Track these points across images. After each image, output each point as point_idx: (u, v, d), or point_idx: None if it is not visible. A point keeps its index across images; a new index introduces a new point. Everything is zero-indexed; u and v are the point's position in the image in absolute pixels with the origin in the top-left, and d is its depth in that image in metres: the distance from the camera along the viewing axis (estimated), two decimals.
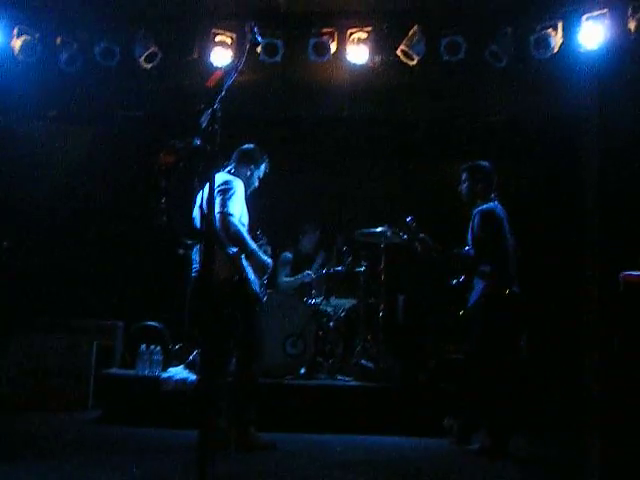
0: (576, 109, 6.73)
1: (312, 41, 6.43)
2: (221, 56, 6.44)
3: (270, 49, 6.38)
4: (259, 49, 6.28)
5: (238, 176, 5.03)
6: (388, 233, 6.43)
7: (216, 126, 3.01)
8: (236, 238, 4.74)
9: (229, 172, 5.08)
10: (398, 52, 6.44)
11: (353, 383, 6.11)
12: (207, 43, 6.50)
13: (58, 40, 6.50)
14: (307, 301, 6.64)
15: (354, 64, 6.56)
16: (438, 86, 7.12)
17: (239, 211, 4.84)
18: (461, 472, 4.69)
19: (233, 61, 6.33)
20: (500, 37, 6.25)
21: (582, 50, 6.16)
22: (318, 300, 6.61)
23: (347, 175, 7.85)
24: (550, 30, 6.15)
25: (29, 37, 6.41)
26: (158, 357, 6.11)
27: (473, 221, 5.22)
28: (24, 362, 6.51)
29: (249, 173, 5.15)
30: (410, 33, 6.35)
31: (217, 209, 4.69)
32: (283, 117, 7.57)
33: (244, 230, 4.84)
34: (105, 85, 6.90)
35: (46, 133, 7.54)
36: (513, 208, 5.32)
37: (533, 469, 4.88)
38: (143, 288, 7.32)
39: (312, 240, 7.35)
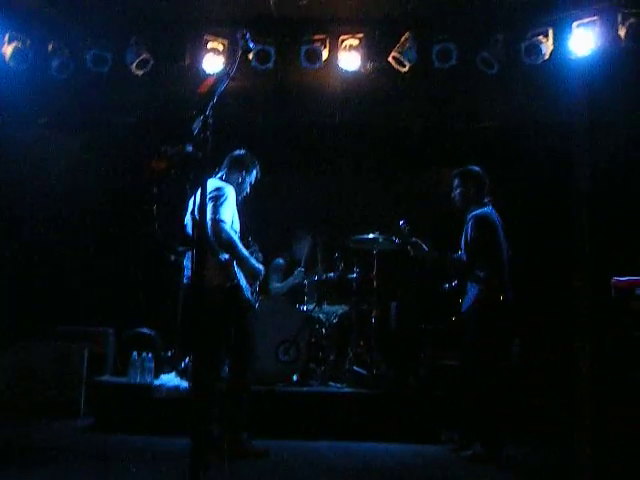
0: (567, 115, 6.74)
1: (304, 48, 6.44)
2: (213, 63, 6.44)
3: (262, 56, 6.38)
4: (251, 56, 6.29)
5: (229, 182, 5.03)
6: (380, 239, 6.43)
7: (208, 133, 3.01)
8: (228, 245, 4.73)
9: (220, 178, 5.07)
10: (390, 59, 6.46)
11: (346, 390, 6.10)
12: (199, 50, 6.51)
13: (49, 47, 6.49)
14: (300, 308, 6.63)
15: (346, 71, 6.57)
16: (430, 93, 7.14)
17: (230, 217, 4.83)
18: (455, 478, 4.68)
19: (225, 68, 6.34)
20: (491, 44, 6.28)
21: (573, 57, 6.19)
22: (311, 307, 6.60)
23: (339, 181, 7.86)
24: (541, 37, 6.18)
25: (20, 44, 6.40)
26: (150, 364, 6.08)
27: (467, 226, 5.22)
28: (15, 370, 6.47)
29: (240, 179, 5.15)
30: (402, 40, 6.37)
31: (209, 216, 4.67)
32: (275, 123, 7.57)
33: (236, 237, 4.84)
34: (97, 92, 6.89)
35: (37, 140, 7.51)
36: (504, 214, 5.34)
37: (526, 475, 4.88)
38: (135, 295, 7.30)
39: (304, 246, 7.34)
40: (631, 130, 6.59)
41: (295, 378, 6.18)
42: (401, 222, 5.35)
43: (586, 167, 6.50)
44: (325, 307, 6.64)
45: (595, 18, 6.05)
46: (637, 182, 6.62)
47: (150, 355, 6.13)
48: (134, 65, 6.46)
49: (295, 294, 6.97)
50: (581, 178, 6.56)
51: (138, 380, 6.03)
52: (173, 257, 4.99)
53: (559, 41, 6.20)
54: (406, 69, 6.46)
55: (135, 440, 5.44)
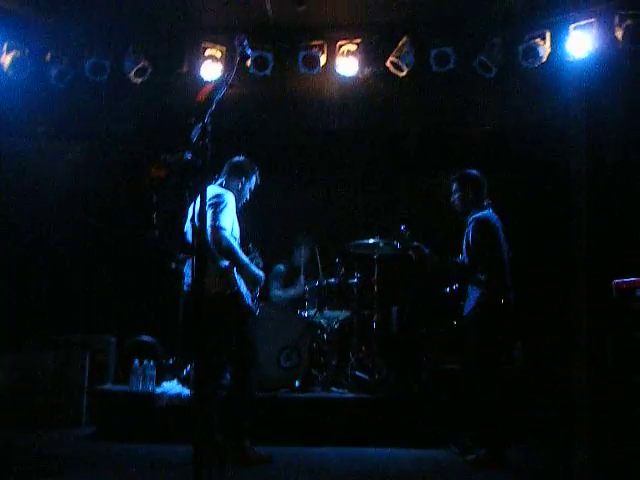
0: (565, 117, 6.77)
1: (302, 54, 6.46)
2: (211, 70, 6.46)
3: (260, 62, 6.40)
4: (249, 62, 6.30)
5: (229, 189, 5.03)
6: (381, 244, 6.43)
7: (206, 140, 3.01)
8: (228, 251, 4.73)
9: (220, 185, 5.07)
10: (388, 63, 6.48)
11: (348, 395, 6.09)
12: (197, 57, 6.53)
13: (48, 56, 6.51)
14: (301, 314, 6.62)
15: (344, 76, 6.59)
16: (428, 97, 7.15)
17: (230, 224, 4.83)
18: None
19: (223, 75, 6.35)
20: (489, 47, 6.30)
21: (570, 59, 6.20)
22: (312, 312, 6.59)
23: (338, 186, 7.85)
24: (538, 40, 6.19)
25: (18, 53, 6.42)
26: (152, 372, 6.07)
27: (468, 229, 5.21)
28: (17, 379, 6.46)
29: (240, 186, 5.14)
30: (399, 44, 6.39)
31: (208, 222, 4.67)
32: (274, 130, 7.58)
33: (236, 243, 4.83)
34: (95, 100, 6.91)
35: (36, 149, 7.52)
36: (504, 217, 5.33)
37: (528, 478, 4.87)
38: (136, 303, 7.29)
39: (305, 252, 7.34)
40: (629, 131, 6.60)
41: (297, 384, 6.17)
42: (402, 227, 5.34)
43: (584, 168, 6.51)
44: (326, 312, 6.62)
45: (592, 20, 6.06)
46: (635, 183, 6.63)
47: (152, 363, 6.12)
48: (132, 73, 6.48)
49: (296, 300, 6.97)
50: (580, 180, 6.57)
51: (140, 388, 6.02)
52: (173, 265, 4.99)
53: (556, 44, 6.21)
54: (404, 74, 6.48)
55: (137, 448, 5.43)
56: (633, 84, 6.37)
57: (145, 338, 6.69)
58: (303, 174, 7.80)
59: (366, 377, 6.24)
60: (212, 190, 4.90)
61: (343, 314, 6.67)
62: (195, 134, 3.01)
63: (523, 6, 6.25)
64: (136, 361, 6.11)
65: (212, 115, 3.15)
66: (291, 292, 7.09)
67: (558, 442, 5.59)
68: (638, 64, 6.20)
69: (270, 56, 6.44)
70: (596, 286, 5.96)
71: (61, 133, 7.51)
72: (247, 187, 5.20)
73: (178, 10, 6.31)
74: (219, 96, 3.22)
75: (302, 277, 6.98)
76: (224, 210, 4.78)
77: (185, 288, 4.91)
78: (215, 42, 6.51)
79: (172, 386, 6.08)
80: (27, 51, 6.45)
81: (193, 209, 3.08)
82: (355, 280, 6.64)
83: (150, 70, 6.52)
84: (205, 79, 6.45)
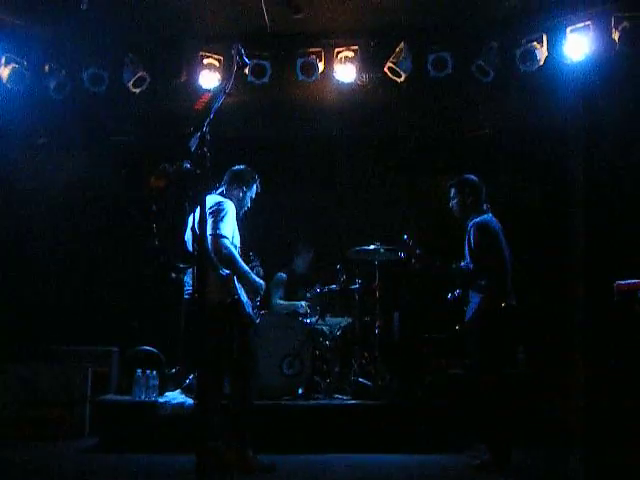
0: (563, 120, 6.77)
1: (299, 61, 6.47)
2: (209, 78, 6.46)
3: (258, 70, 6.41)
4: (247, 71, 6.31)
5: (230, 198, 5.03)
6: (382, 250, 6.43)
7: (205, 149, 3.01)
8: (228, 260, 4.72)
9: (221, 194, 5.07)
10: (385, 69, 6.48)
11: (351, 401, 6.08)
12: (195, 66, 6.53)
13: (46, 67, 6.52)
14: (303, 321, 6.61)
15: (342, 82, 6.59)
16: (426, 102, 7.16)
17: (231, 233, 4.83)
18: None
19: (221, 83, 6.36)
20: (486, 52, 6.30)
21: (568, 62, 6.20)
22: (314, 319, 6.59)
23: (338, 193, 7.86)
24: (535, 43, 6.20)
25: (17, 65, 6.43)
26: (154, 382, 6.07)
27: (469, 234, 5.20)
28: (19, 391, 6.44)
29: (241, 194, 5.14)
30: (397, 50, 6.39)
31: (209, 231, 4.67)
32: (273, 137, 7.60)
33: (236, 252, 4.83)
34: (94, 111, 6.92)
35: (36, 160, 7.52)
36: (503, 220, 5.33)
37: None
38: (137, 313, 7.29)
39: (306, 260, 7.34)
40: (627, 133, 6.60)
41: (300, 391, 6.16)
42: (405, 237, 5.33)
43: (583, 171, 6.52)
44: (328, 319, 6.63)
45: (589, 23, 6.07)
46: (635, 184, 6.63)
47: (154, 373, 6.11)
48: (131, 83, 6.49)
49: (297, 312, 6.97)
50: (579, 182, 6.58)
51: (143, 398, 6.01)
52: (174, 274, 4.98)
53: (553, 47, 6.21)
54: (402, 79, 6.48)
55: (140, 459, 5.42)
56: (630, 86, 6.38)
57: (147, 348, 6.68)
58: (302, 180, 7.80)
59: (369, 383, 6.23)
60: (213, 199, 4.90)
61: (345, 320, 6.67)
62: (194, 143, 3.02)
63: (520, 10, 6.25)
64: (138, 371, 6.10)
65: (211, 124, 3.15)
66: (292, 306, 7.07)
67: (561, 445, 5.58)
68: (635, 66, 6.20)
69: (268, 64, 6.45)
70: (597, 288, 5.96)
71: (60, 144, 7.52)
72: (248, 196, 5.20)
73: (176, 19, 6.32)
74: (217, 105, 3.22)
75: (306, 304, 6.93)
76: (225, 218, 4.78)
77: (186, 297, 4.90)
78: (213, 51, 6.52)
79: (175, 396, 6.07)
80: (25, 63, 6.47)
81: (193, 218, 3.08)
82: (356, 286, 6.64)
83: (149, 80, 6.52)
84: (204, 88, 6.46)
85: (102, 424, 6.05)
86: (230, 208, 4.89)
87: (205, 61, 6.51)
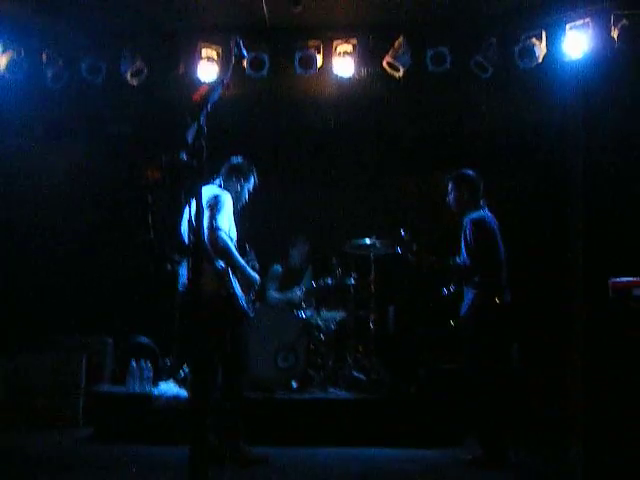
0: (561, 118, 6.77)
1: (298, 55, 6.45)
2: (207, 71, 6.44)
3: (256, 63, 6.39)
4: (245, 64, 6.30)
5: (228, 190, 5.02)
6: (377, 244, 6.43)
7: (202, 141, 3.00)
8: (224, 253, 4.72)
9: (218, 186, 5.06)
10: (384, 64, 6.47)
11: (345, 395, 6.09)
12: (193, 58, 6.51)
13: (44, 56, 6.50)
14: (297, 314, 6.62)
15: (340, 77, 6.58)
16: (424, 97, 7.15)
17: (227, 225, 4.83)
18: None
19: (219, 76, 6.34)
20: (485, 48, 6.29)
21: (566, 59, 6.20)
22: (308, 313, 6.60)
23: (335, 187, 7.85)
24: (534, 40, 6.19)
25: (14, 54, 6.41)
26: (148, 373, 6.08)
27: (465, 230, 5.20)
28: (13, 380, 6.45)
29: (239, 187, 5.14)
30: (395, 45, 6.38)
31: (206, 223, 4.67)
32: (270, 131, 7.58)
33: (232, 245, 4.82)
34: (92, 101, 6.90)
35: (33, 150, 7.50)
36: (500, 216, 5.33)
37: (525, 479, 4.87)
38: (132, 304, 7.28)
39: (301, 253, 7.35)
40: (626, 131, 6.60)
41: (294, 385, 6.17)
42: (402, 232, 5.33)
43: (581, 169, 6.52)
44: (323, 313, 6.63)
45: (588, 20, 6.06)
46: (633, 182, 6.63)
47: (149, 364, 6.13)
48: (129, 74, 6.47)
49: (293, 302, 6.98)
50: (576, 179, 6.58)
51: (137, 389, 6.02)
52: (169, 266, 4.99)
53: (552, 44, 6.21)
54: (400, 74, 6.47)
55: (134, 450, 5.43)
56: (629, 84, 6.37)
57: (142, 339, 6.69)
58: (299, 174, 7.80)
59: (363, 377, 6.24)
60: (210, 191, 4.90)
61: (340, 314, 6.68)
62: (191, 135, 3.01)
63: (518, 6, 6.25)
64: (133, 362, 6.12)
65: (208, 116, 3.14)
66: (288, 296, 7.09)
67: (555, 442, 5.60)
68: (634, 64, 6.20)
69: (266, 57, 6.43)
70: (593, 286, 5.96)
71: (58, 134, 7.49)
72: (246, 188, 5.20)
73: (174, 11, 6.30)
74: (215, 97, 3.21)
75: (301, 293, 6.95)
76: (221, 211, 4.78)
77: (180, 289, 4.90)
78: (211, 43, 6.50)
79: (169, 387, 6.07)
80: (23, 52, 6.44)
81: (189, 210, 3.07)
82: (352, 280, 6.64)
83: (146, 71, 6.51)
84: (202, 80, 6.44)
85: (96, 415, 6.06)
86: (227, 201, 4.88)
87: (203, 53, 6.49)
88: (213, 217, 4.71)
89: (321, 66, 6.55)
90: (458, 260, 5.27)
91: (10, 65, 6.42)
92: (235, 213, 5.00)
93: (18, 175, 7.48)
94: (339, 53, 6.50)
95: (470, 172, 5.40)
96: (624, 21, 5.93)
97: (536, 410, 6.04)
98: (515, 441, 5.29)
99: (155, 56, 6.52)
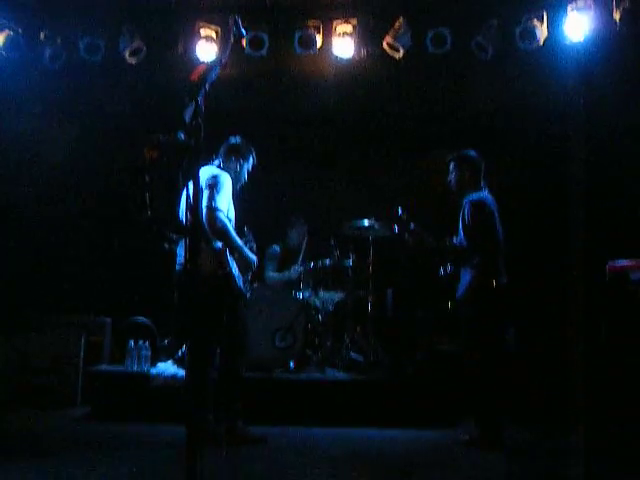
0: (562, 99, 6.75)
1: (298, 34, 6.42)
2: (206, 50, 6.42)
3: (256, 43, 6.36)
4: (244, 43, 6.26)
5: (227, 170, 5.00)
6: (376, 226, 6.43)
7: (199, 120, 2.99)
8: (222, 233, 4.71)
9: (218, 166, 5.04)
10: (384, 45, 6.44)
11: (342, 376, 6.11)
12: (192, 37, 6.49)
13: (42, 35, 6.46)
14: (296, 295, 6.64)
15: (340, 57, 6.55)
16: (424, 78, 7.12)
17: (226, 206, 4.81)
18: (451, 463, 4.70)
19: (218, 55, 6.31)
20: (486, 29, 6.26)
21: (567, 41, 6.17)
22: (307, 294, 6.61)
23: (334, 168, 7.83)
24: (535, 21, 6.16)
25: (12, 32, 6.37)
26: (147, 353, 6.10)
27: (463, 211, 5.18)
28: (12, 359, 6.46)
29: (238, 167, 5.12)
30: (396, 25, 6.35)
31: (204, 203, 4.66)
32: (269, 110, 7.55)
33: (230, 225, 4.82)
34: (90, 80, 6.87)
35: (31, 129, 7.47)
36: (499, 198, 5.32)
37: (523, 459, 4.89)
38: (130, 284, 7.29)
39: (300, 233, 7.33)
40: (626, 113, 6.58)
41: (292, 365, 6.19)
42: (399, 210, 5.32)
43: (581, 150, 6.50)
44: (321, 294, 6.64)
45: (590, 2, 6.02)
46: (632, 165, 6.62)
47: (147, 343, 6.14)
48: (127, 53, 6.44)
49: (291, 282, 6.98)
50: (576, 161, 6.57)
51: (135, 369, 6.04)
52: (167, 245, 4.98)
53: (554, 25, 6.18)
54: (400, 55, 6.45)
55: (132, 428, 5.45)
56: (630, 65, 6.35)
57: (140, 319, 6.70)
58: (298, 154, 7.77)
59: (361, 358, 6.27)
60: (209, 171, 4.88)
61: (338, 295, 6.69)
62: (188, 114, 3.00)
63: None
64: (131, 342, 6.13)
65: (206, 95, 3.13)
66: (286, 275, 7.10)
67: (552, 424, 5.63)
68: (636, 46, 6.17)
69: (266, 36, 6.40)
70: (591, 268, 5.98)
71: (56, 113, 7.46)
72: (245, 168, 5.18)
73: None
74: (213, 76, 3.20)
75: (299, 265, 6.97)
76: (220, 191, 4.76)
77: (177, 268, 4.90)
78: (210, 22, 6.46)
79: (167, 367, 6.10)
80: (20, 31, 6.40)
81: (187, 190, 3.06)
82: (350, 262, 6.65)
83: (145, 50, 6.48)
84: (200, 59, 6.42)
85: (94, 394, 6.08)
86: (226, 181, 4.87)
87: (202, 32, 6.46)
88: (212, 197, 4.70)
89: (321, 46, 6.52)
90: (455, 241, 5.27)
91: (8, 44, 6.38)
92: (234, 194, 4.99)
93: (16, 154, 7.45)
94: (339, 33, 6.47)
95: (472, 153, 5.37)
96: (626, 3, 5.89)
97: (533, 392, 6.06)
98: (512, 422, 5.32)
99: (154, 35, 6.49)
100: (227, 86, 6.30)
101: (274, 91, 7.29)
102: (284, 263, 7.24)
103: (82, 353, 6.57)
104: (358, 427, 5.58)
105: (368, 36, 6.51)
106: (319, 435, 5.37)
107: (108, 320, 6.97)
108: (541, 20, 6.17)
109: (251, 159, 5.21)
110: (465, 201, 5.20)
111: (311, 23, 6.48)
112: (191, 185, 3.01)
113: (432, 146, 7.62)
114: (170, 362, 6.21)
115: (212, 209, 4.66)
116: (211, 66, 3.22)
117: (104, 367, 6.49)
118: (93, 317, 6.95)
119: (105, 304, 7.11)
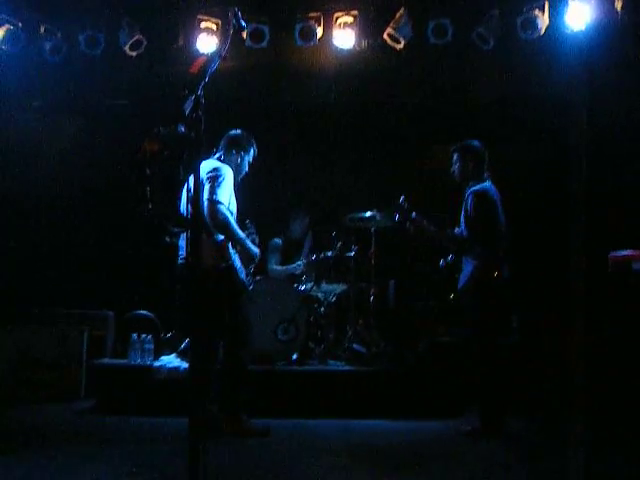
0: (563, 90, 6.71)
1: (298, 26, 6.40)
2: (207, 43, 6.40)
3: (256, 35, 6.35)
4: (245, 35, 6.25)
5: (228, 163, 5.00)
6: (378, 217, 6.42)
7: (199, 113, 2.98)
8: (223, 226, 4.71)
9: (218, 159, 5.03)
10: (385, 36, 6.42)
11: (345, 368, 6.12)
12: (192, 30, 6.47)
13: (42, 29, 6.44)
14: (298, 287, 6.64)
15: (341, 49, 6.53)
16: (425, 69, 7.10)
17: (228, 199, 4.81)
18: (453, 454, 4.71)
19: (218, 48, 6.30)
20: (487, 19, 6.24)
21: (569, 31, 6.14)
22: (309, 286, 6.61)
23: (335, 159, 7.82)
24: (537, 11, 6.13)
25: (12, 26, 6.35)
26: (150, 346, 6.10)
27: (466, 202, 5.17)
28: (15, 353, 6.48)
29: (239, 160, 5.11)
30: (396, 16, 6.32)
31: (206, 196, 4.66)
32: (270, 102, 7.54)
33: (232, 218, 4.81)
34: (90, 73, 6.86)
35: (31, 123, 7.47)
36: (501, 188, 5.31)
37: (525, 450, 4.90)
38: (133, 277, 7.30)
39: (302, 225, 7.33)
40: (628, 103, 6.56)
41: (294, 357, 6.20)
42: (401, 198, 5.31)
43: (583, 140, 6.48)
44: (323, 286, 6.64)
45: None
46: (635, 154, 6.60)
47: (150, 337, 6.15)
48: (127, 46, 6.42)
49: (294, 275, 6.99)
50: (579, 151, 6.55)
51: (138, 362, 6.05)
52: (168, 238, 4.98)
53: (555, 15, 6.15)
54: (401, 46, 6.43)
55: (136, 422, 5.46)
56: (632, 55, 6.32)
57: (143, 312, 6.71)
58: (300, 146, 7.77)
59: (363, 350, 6.27)
60: (210, 164, 4.88)
61: (340, 287, 6.69)
62: (188, 107, 2.99)
63: None
64: (134, 335, 6.14)
65: (206, 87, 3.12)
66: (289, 268, 7.10)
67: (554, 415, 5.63)
68: (637, 35, 6.15)
69: (266, 28, 6.38)
70: (593, 259, 5.96)
71: (56, 106, 7.46)
72: (246, 161, 5.17)
73: None
74: (212, 68, 3.18)
75: (303, 260, 6.97)
76: (222, 184, 4.76)
77: (179, 261, 4.90)
78: (211, 14, 6.44)
79: (170, 360, 6.10)
80: (20, 24, 6.39)
81: (188, 182, 3.06)
82: (352, 253, 6.64)
83: (145, 43, 6.46)
84: (201, 52, 6.40)
85: (98, 387, 6.10)
86: (228, 174, 4.86)
87: (202, 25, 6.44)
88: (213, 190, 4.70)
89: (321, 37, 6.50)
90: (457, 231, 5.26)
91: (8, 37, 6.37)
92: (235, 186, 4.98)
93: (17, 148, 7.45)
94: (340, 25, 6.45)
95: (475, 143, 5.35)
96: None
97: (535, 382, 6.06)
98: (514, 413, 5.33)
99: (154, 28, 6.47)
100: (228, 78, 6.30)
101: (275, 83, 7.27)
102: (286, 255, 7.25)
103: (85, 347, 6.58)
104: (361, 418, 5.59)
105: (369, 27, 6.49)
106: (322, 427, 5.38)
107: (111, 313, 6.98)
108: (542, 9, 6.14)
109: (252, 151, 5.20)
110: (468, 192, 5.19)
111: (311, 14, 6.45)
112: (192, 178, 3.00)
113: (433, 137, 7.61)
114: (173, 355, 6.22)
115: (213, 202, 4.66)
116: (210, 58, 3.22)
117: (107, 360, 6.51)
118: (96, 311, 6.96)
119: (108, 297, 7.13)
